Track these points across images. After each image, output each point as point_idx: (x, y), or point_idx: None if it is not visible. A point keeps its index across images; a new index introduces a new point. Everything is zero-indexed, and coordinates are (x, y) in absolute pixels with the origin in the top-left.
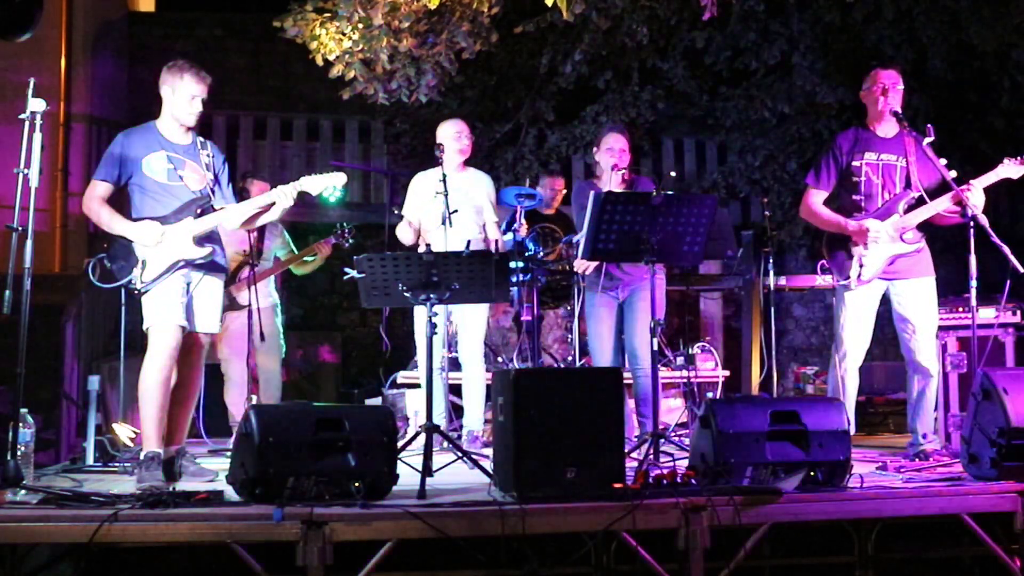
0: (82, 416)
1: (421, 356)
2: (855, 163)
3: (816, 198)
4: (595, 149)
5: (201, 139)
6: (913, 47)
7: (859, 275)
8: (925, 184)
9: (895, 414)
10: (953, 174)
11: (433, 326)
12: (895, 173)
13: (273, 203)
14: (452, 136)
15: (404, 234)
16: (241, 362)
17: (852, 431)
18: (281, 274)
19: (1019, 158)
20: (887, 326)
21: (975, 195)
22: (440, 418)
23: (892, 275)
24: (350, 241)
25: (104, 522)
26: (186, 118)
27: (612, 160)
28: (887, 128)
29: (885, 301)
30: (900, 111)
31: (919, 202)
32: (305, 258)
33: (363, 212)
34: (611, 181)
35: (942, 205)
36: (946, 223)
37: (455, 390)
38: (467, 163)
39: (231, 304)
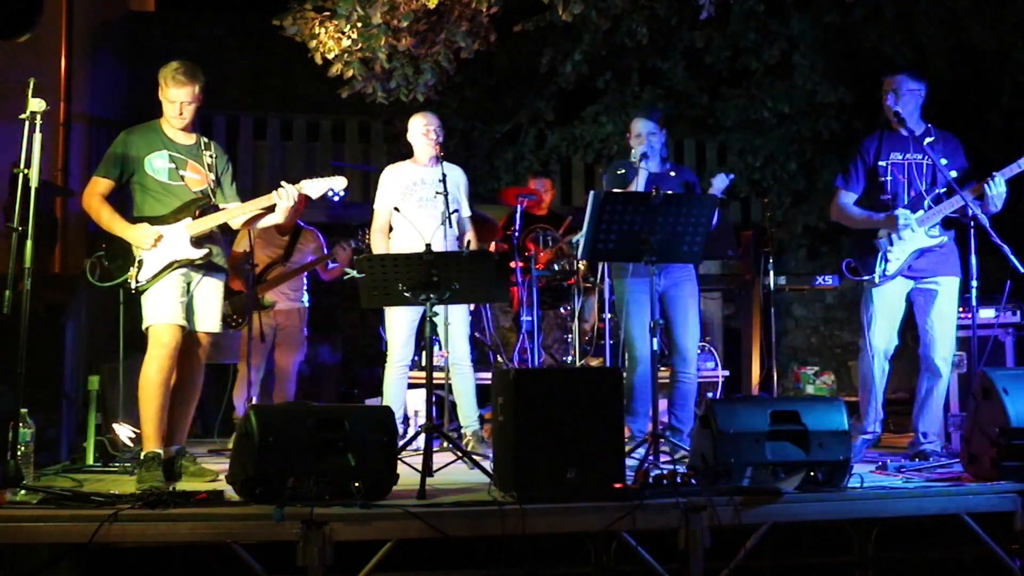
0: (82, 416)
1: (397, 353)
2: (881, 163)
3: (846, 199)
4: (628, 136)
5: (205, 139)
6: (913, 47)
7: (884, 270)
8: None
9: (895, 414)
10: (953, 174)
11: (434, 326)
12: (921, 171)
13: (274, 204)
14: (421, 131)
15: (378, 242)
16: (259, 360)
17: (879, 430)
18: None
19: None
20: None
21: (996, 186)
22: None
23: (918, 273)
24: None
25: (104, 522)
26: (171, 121)
27: (640, 147)
28: (914, 127)
29: (908, 300)
30: (900, 113)
31: (945, 198)
32: (330, 264)
33: (363, 212)
34: (640, 173)
35: (961, 200)
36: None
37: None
38: (445, 158)
39: (257, 304)
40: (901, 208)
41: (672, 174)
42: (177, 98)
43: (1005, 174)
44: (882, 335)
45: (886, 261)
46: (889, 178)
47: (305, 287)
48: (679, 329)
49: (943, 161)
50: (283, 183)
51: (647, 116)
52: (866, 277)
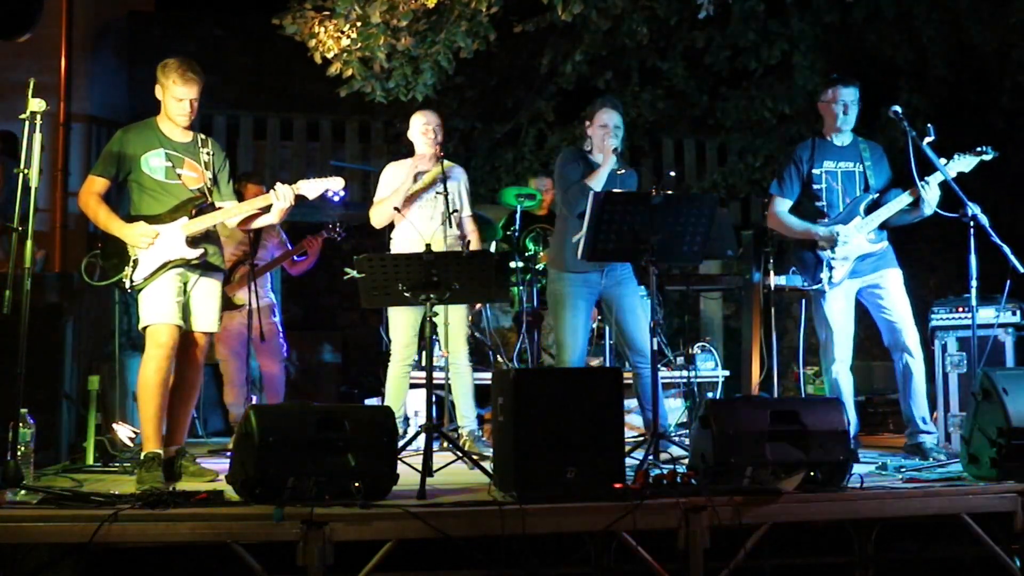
0: (82, 416)
1: (400, 352)
2: (815, 171)
3: (781, 206)
4: (587, 123)
5: (202, 136)
6: (913, 47)
7: (830, 278)
8: (881, 187)
9: (895, 414)
10: (953, 174)
11: (434, 326)
12: (854, 178)
13: (270, 205)
14: (420, 130)
15: (379, 215)
16: (238, 362)
17: (855, 431)
18: (279, 273)
19: (971, 150)
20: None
21: (931, 191)
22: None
23: (861, 273)
24: (342, 235)
25: (104, 522)
26: (176, 119)
27: (612, 141)
28: (843, 137)
29: (858, 301)
30: (899, 113)
31: (878, 204)
32: (295, 256)
33: (362, 212)
34: (607, 163)
35: (901, 203)
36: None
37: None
38: (448, 157)
39: (228, 304)
40: (839, 225)
41: (620, 172)
42: (187, 95)
43: (936, 178)
44: (842, 347)
45: (831, 270)
46: (824, 186)
47: (269, 283)
48: (631, 326)
49: (869, 164)
50: (278, 184)
51: (616, 108)
52: (814, 286)
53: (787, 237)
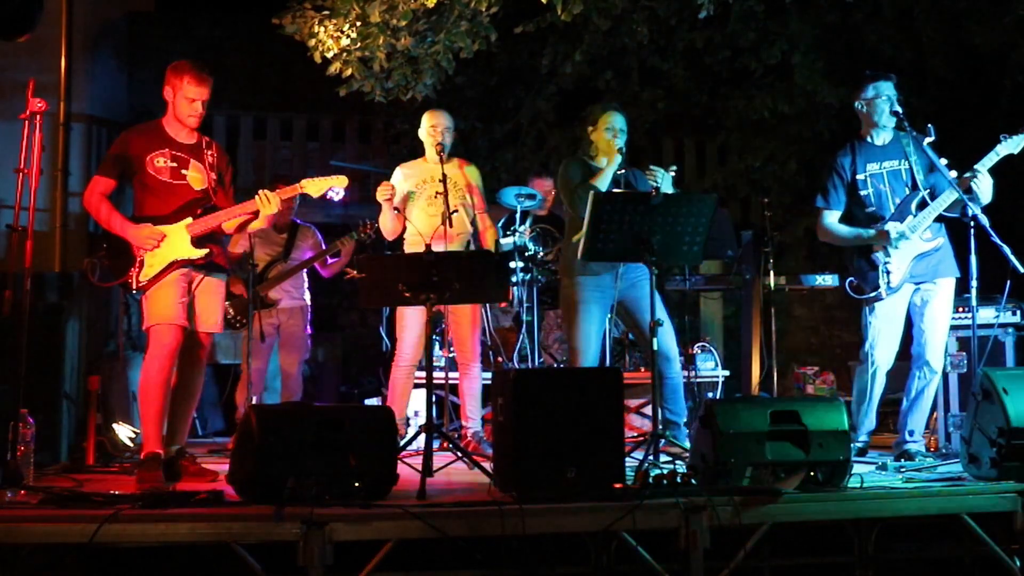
0: (82, 416)
1: (407, 353)
2: (859, 177)
3: (830, 218)
4: (590, 128)
5: (207, 139)
6: (913, 47)
7: (888, 283)
8: (931, 180)
9: (895, 414)
10: (953, 174)
11: (435, 326)
12: (900, 176)
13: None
14: (427, 130)
15: (388, 222)
16: (259, 362)
17: (868, 439)
18: (310, 275)
19: (1019, 130)
20: None
21: (983, 180)
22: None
23: (919, 278)
24: (372, 236)
25: (104, 522)
26: (187, 120)
27: (617, 142)
28: (884, 134)
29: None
30: (900, 113)
31: (931, 197)
32: (329, 258)
33: (362, 212)
34: (613, 163)
35: (953, 197)
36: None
37: (453, 390)
38: (454, 154)
39: (260, 303)
40: (891, 222)
41: (620, 171)
42: (200, 96)
43: (985, 164)
44: (885, 348)
45: (888, 274)
46: (871, 190)
47: (305, 285)
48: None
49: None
50: (261, 191)
51: (620, 111)
52: (872, 294)
53: (839, 247)
